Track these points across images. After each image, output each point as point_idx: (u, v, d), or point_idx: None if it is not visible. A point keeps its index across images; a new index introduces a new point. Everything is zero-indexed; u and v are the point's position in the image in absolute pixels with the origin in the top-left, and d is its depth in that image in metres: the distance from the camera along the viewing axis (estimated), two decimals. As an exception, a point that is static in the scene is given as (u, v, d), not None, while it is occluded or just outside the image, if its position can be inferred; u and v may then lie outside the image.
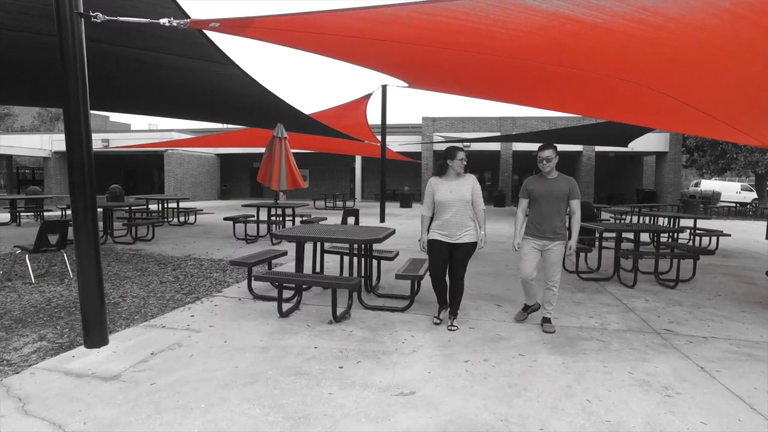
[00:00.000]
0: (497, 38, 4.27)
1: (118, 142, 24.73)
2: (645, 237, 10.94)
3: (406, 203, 22.22)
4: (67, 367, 3.22)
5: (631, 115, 7.42)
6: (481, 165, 27.56)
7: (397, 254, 6.07)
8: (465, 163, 4.21)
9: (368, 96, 14.95)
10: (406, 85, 10.31)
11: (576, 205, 4.18)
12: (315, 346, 3.74)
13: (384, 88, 14.65)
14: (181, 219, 13.41)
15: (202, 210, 14.16)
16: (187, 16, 5.08)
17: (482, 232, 4.22)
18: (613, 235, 8.04)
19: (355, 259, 5.00)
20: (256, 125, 12.01)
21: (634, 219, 13.74)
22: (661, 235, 10.67)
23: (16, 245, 6.23)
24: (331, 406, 2.75)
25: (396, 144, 21.32)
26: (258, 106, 9.71)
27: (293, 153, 27.70)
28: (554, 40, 4.12)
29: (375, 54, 5.70)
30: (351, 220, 10.48)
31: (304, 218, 11.35)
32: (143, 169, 31.73)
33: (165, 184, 24.56)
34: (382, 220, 14.88)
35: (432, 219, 4.31)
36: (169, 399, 2.80)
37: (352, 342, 3.87)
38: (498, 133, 21.92)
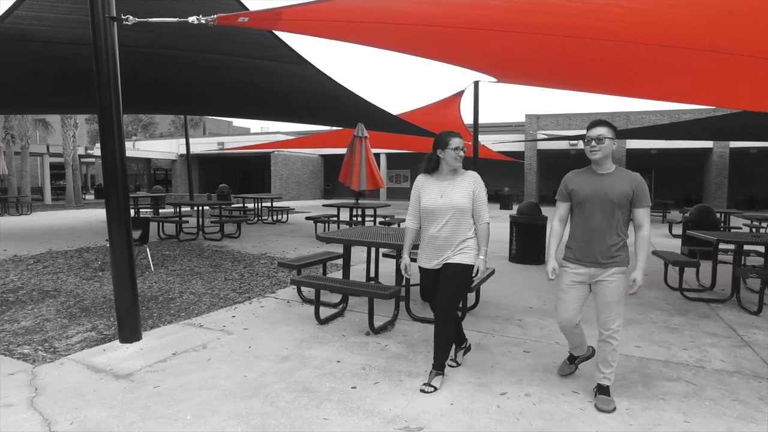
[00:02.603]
0: (595, 17, 3.61)
1: (232, 144, 26.92)
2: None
3: (505, 205, 21.22)
4: (92, 361, 3.31)
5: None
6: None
7: (460, 261, 5.55)
8: (462, 154, 3.06)
9: (461, 93, 14.34)
10: (495, 80, 9.65)
11: (643, 215, 2.76)
12: (338, 360, 3.45)
13: (476, 84, 13.89)
14: (274, 217, 14.04)
15: (294, 209, 14.74)
16: (245, 8, 5.12)
17: (481, 257, 3.03)
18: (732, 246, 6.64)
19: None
20: (337, 124, 12.13)
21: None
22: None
23: (107, 239, 6.85)
24: (319, 435, 2.43)
25: (497, 143, 20.35)
26: (336, 106, 9.75)
27: (388, 153, 27.74)
28: (665, 13, 3.35)
29: (438, 43, 5.26)
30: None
31: (386, 218, 11.20)
32: (256, 170, 34.25)
33: (271, 184, 26.21)
34: (473, 222, 14.19)
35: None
36: (162, 405, 2.70)
37: (381, 358, 3.51)
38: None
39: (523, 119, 22.93)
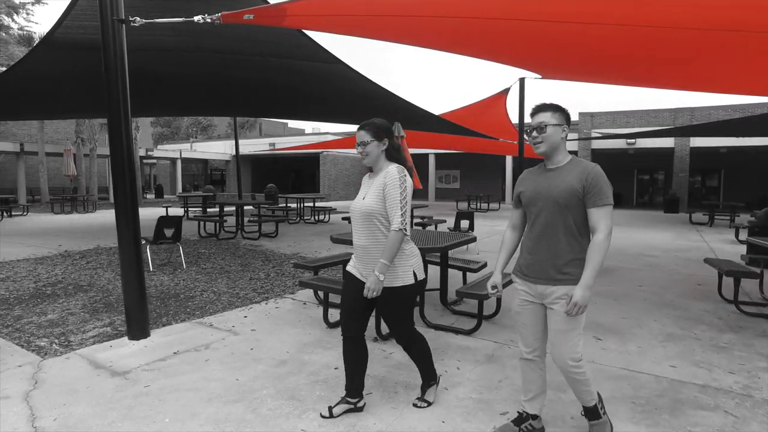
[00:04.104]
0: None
1: (283, 145, 27.59)
2: None
3: (556, 207, 20.35)
4: (96, 357, 3.38)
5: None
6: (649, 164, 23.70)
7: (485, 265, 5.28)
8: (361, 150, 2.53)
9: (506, 91, 13.87)
10: (539, 76, 9.23)
11: (599, 217, 2.16)
12: (336, 366, 3.31)
13: (521, 81, 13.35)
14: (316, 217, 14.18)
15: (335, 209, 14.82)
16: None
17: (375, 272, 2.41)
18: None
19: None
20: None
21: None
22: None
23: (142, 236, 7.11)
24: (291, 448, 2.31)
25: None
26: (373, 106, 9.66)
27: (436, 153, 27.39)
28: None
29: (469, 36, 5.02)
30: (465, 223, 9.78)
31: (424, 219, 11.00)
32: (307, 170, 34.97)
33: (320, 184, 26.63)
34: (518, 224, 13.68)
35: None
36: (146, 406, 2.67)
37: (382, 366, 3.35)
38: (670, 127, 18.49)
39: (576, 118, 21.89)
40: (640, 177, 24.89)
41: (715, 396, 2.99)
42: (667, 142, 19.48)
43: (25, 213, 16.08)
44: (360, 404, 2.68)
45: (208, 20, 3.46)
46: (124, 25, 3.45)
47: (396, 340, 2.72)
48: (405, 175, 2.51)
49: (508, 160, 25.85)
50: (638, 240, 10.57)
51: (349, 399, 2.66)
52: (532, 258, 2.31)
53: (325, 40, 6.16)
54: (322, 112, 11.13)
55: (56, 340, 3.71)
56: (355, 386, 2.65)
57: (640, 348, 3.81)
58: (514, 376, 3.22)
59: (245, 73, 8.08)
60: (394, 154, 2.61)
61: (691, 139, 18.68)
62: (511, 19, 4.08)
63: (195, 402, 2.74)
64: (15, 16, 15.22)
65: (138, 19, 3.43)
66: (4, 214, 14.71)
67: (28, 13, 14.94)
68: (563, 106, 2.25)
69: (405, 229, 2.43)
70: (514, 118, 14.47)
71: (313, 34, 6.41)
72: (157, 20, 3.48)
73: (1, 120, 18.47)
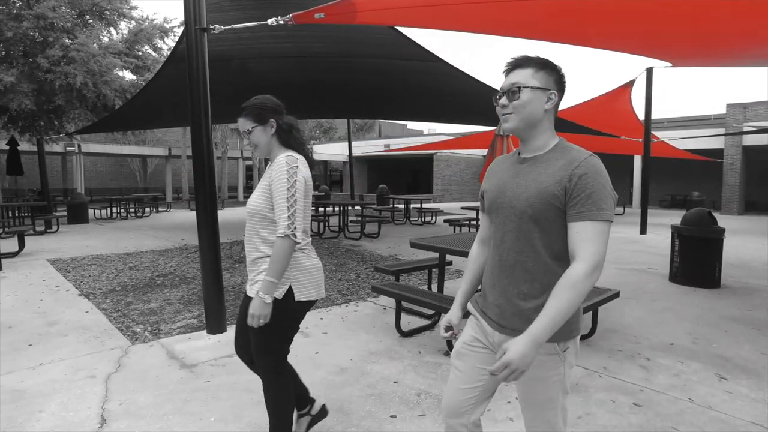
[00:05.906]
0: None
1: (397, 146, 28.05)
2: None
3: (696, 213, 17.70)
4: (173, 347, 3.59)
5: None
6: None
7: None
8: (251, 138, 2.03)
9: (631, 83, 12.47)
10: (669, 65, 8.24)
11: (583, 235, 1.34)
12: (396, 381, 3.11)
13: (649, 71, 11.87)
14: (423, 219, 14.06)
15: (442, 210, 14.57)
16: None
17: (260, 293, 1.86)
18: None
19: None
20: (481, 123, 11.54)
21: None
22: None
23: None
24: (320, 468, 2.16)
25: (676, 139, 17.20)
26: (479, 103, 9.25)
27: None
28: None
29: (582, 25, 4.49)
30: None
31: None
32: (423, 171, 35.05)
33: (433, 185, 26.54)
34: (643, 231, 12.17)
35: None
36: (199, 402, 2.73)
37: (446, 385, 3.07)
38: None
39: (723, 110, 18.88)
40: (813, 179, 20.67)
41: None
42: None
43: (168, 209, 18.42)
44: (307, 410, 2.33)
45: (281, 22, 3.48)
46: (205, 33, 3.62)
47: (257, 371, 2.14)
48: (296, 165, 1.94)
49: (637, 159, 23.26)
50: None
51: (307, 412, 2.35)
52: (492, 293, 1.54)
53: (421, 37, 5.95)
54: (428, 112, 10.98)
55: (149, 328, 4.04)
56: (298, 398, 2.29)
57: (782, 396, 3.01)
58: (598, 414, 2.72)
59: (349, 75, 8.24)
60: (286, 137, 2.05)
61: None
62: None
63: (244, 403, 2.74)
64: (165, 39, 17.34)
65: (218, 26, 3.58)
66: (152, 210, 16.98)
67: (175, 35, 16.99)
68: (555, 63, 1.46)
69: (293, 235, 1.86)
70: (641, 114, 12.95)
71: (409, 32, 6.29)
72: (234, 26, 3.60)
73: (147, 128, 21.34)
